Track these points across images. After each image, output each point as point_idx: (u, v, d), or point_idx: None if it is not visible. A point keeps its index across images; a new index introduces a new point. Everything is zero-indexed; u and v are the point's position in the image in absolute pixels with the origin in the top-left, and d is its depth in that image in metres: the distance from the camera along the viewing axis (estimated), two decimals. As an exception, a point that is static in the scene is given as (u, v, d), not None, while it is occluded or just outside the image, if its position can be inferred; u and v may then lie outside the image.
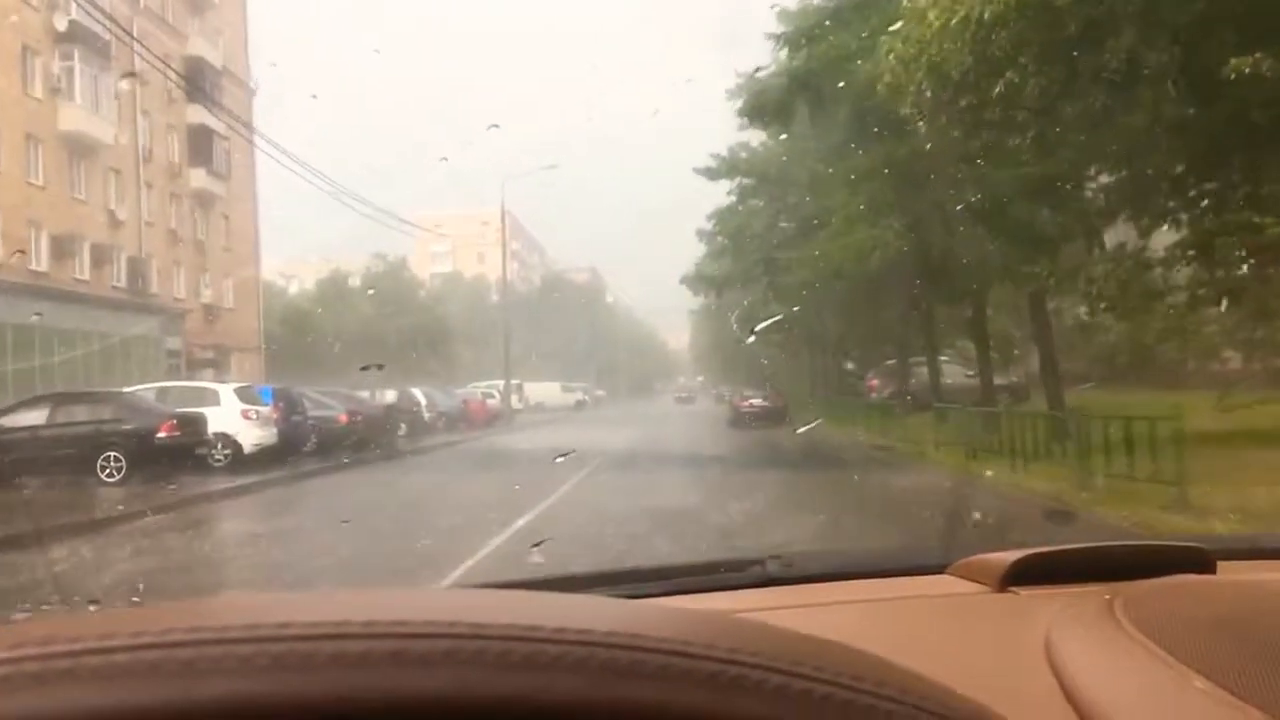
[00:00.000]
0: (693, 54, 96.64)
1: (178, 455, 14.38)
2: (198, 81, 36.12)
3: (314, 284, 52.17)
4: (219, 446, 16.76)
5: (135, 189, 34.39)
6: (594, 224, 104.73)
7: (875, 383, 27.08)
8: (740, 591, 1.66)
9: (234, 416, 17.21)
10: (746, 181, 29.59)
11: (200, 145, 38.24)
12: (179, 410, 16.09)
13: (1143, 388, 20.91)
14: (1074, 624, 1.14)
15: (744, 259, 31.20)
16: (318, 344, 39.06)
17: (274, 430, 17.73)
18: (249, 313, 41.60)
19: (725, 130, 30.78)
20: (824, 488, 13.25)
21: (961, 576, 1.61)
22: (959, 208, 15.70)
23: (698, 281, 36.13)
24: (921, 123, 13.49)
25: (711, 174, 29.45)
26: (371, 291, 46.13)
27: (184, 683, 0.40)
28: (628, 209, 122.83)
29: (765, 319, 31.95)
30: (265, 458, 17.01)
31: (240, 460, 16.73)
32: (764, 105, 18.07)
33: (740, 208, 32.16)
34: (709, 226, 34.40)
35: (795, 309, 24.22)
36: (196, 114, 37.81)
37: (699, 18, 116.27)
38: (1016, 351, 27.30)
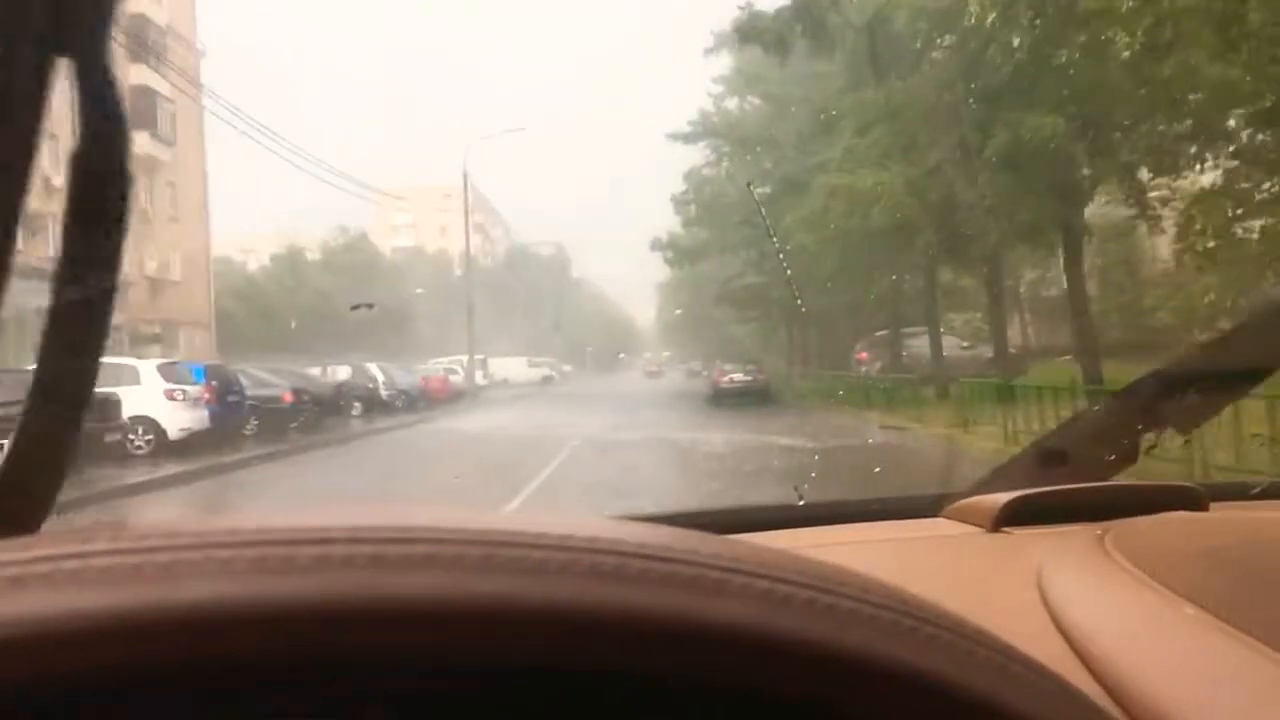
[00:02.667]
0: (666, 16, 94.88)
1: (82, 443, 12.46)
2: (140, 40, 33.97)
3: (270, 258, 50.43)
4: (139, 432, 14.90)
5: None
6: (558, 196, 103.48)
7: (865, 355, 25.45)
8: (736, 535, 1.29)
9: (156, 397, 15.25)
10: (724, 147, 27.89)
11: (143, 108, 36.01)
12: (86, 391, 14.08)
13: (1132, 361, 19.51)
14: (1065, 559, 1.15)
15: (719, 226, 29.70)
16: (273, 320, 37.55)
17: (205, 413, 15.84)
18: (198, 286, 39.60)
19: (698, 97, 28.98)
20: (870, 485, 9.95)
21: (955, 519, 1.61)
22: (985, 152, 13.65)
23: (670, 250, 34.62)
24: (992, 19, 11.67)
25: (687, 138, 27.84)
26: (324, 262, 44.36)
27: (162, 585, 0.40)
28: (593, 181, 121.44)
29: (742, 288, 30.55)
30: (195, 444, 15.16)
31: (164, 447, 14.86)
32: (761, 31, 16.15)
33: (717, 172, 30.70)
34: (682, 193, 32.88)
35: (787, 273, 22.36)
36: (139, 74, 35.60)
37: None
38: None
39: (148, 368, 16.29)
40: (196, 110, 36.82)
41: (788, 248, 17.52)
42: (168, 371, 16.44)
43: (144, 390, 14.92)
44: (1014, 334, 29.37)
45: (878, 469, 10.71)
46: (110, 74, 0.65)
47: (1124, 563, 1.08)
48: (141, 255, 36.13)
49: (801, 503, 1.91)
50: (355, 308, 21.90)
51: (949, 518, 1.64)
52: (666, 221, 35.90)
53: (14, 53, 0.63)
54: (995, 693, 0.46)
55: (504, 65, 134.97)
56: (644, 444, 15.61)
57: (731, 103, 28.50)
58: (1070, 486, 1.59)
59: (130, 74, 35.39)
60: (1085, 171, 13.66)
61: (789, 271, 24.81)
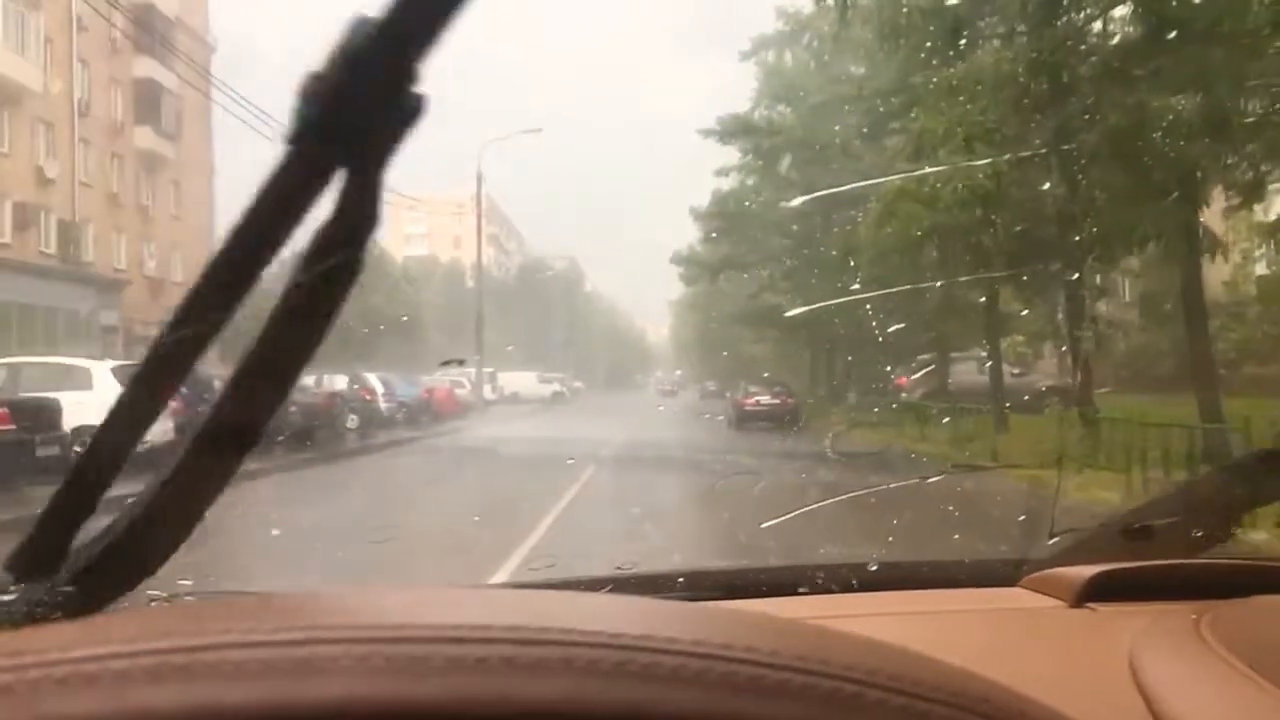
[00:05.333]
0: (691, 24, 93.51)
1: (10, 456, 10.52)
2: (147, 31, 32.72)
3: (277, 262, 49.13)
4: (87, 444, 13.12)
5: (69, 145, 30.95)
6: (573, 209, 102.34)
7: (904, 380, 23.83)
8: (809, 598, 1.60)
9: (110, 404, 13.41)
10: (763, 145, 26.08)
11: (148, 102, 34.82)
12: (20, 396, 12.42)
13: (1166, 393, 17.55)
14: (1159, 641, 1.13)
15: (745, 239, 28.12)
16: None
17: (170, 424, 13.79)
18: (201, 288, 38.26)
19: (724, 105, 27.36)
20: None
21: (1034, 590, 1.56)
22: (1089, 141, 11.59)
23: (691, 264, 33.07)
24: None
25: (721, 136, 26.11)
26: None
27: (297, 682, 0.40)
28: (608, 194, 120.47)
29: (767, 307, 28.90)
30: (155, 460, 13.23)
31: None
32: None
33: (742, 184, 29.14)
34: (705, 206, 31.34)
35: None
36: (145, 67, 34.43)
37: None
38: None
39: (101, 370, 14.50)
40: (204, 106, 35.51)
41: (822, 260, 15.82)
42: (125, 375, 14.20)
43: (96, 395, 12.96)
44: (1049, 364, 27.66)
45: (956, 536, 8.07)
46: (380, 181, 0.64)
47: (1221, 650, 1.03)
48: (142, 253, 34.88)
49: (874, 568, 1.74)
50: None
51: (1028, 588, 1.58)
52: (683, 237, 34.73)
53: (302, 158, 0.63)
54: None
55: (522, 69, 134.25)
56: (670, 474, 13.76)
57: (765, 112, 26.88)
58: (1160, 563, 1.50)
59: (134, 66, 34.24)
60: (1207, 167, 11.73)
61: (821, 288, 23.18)
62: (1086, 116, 12.25)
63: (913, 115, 14.17)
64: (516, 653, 0.41)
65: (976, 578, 1.72)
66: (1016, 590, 1.59)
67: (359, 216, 0.65)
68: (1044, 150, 12.32)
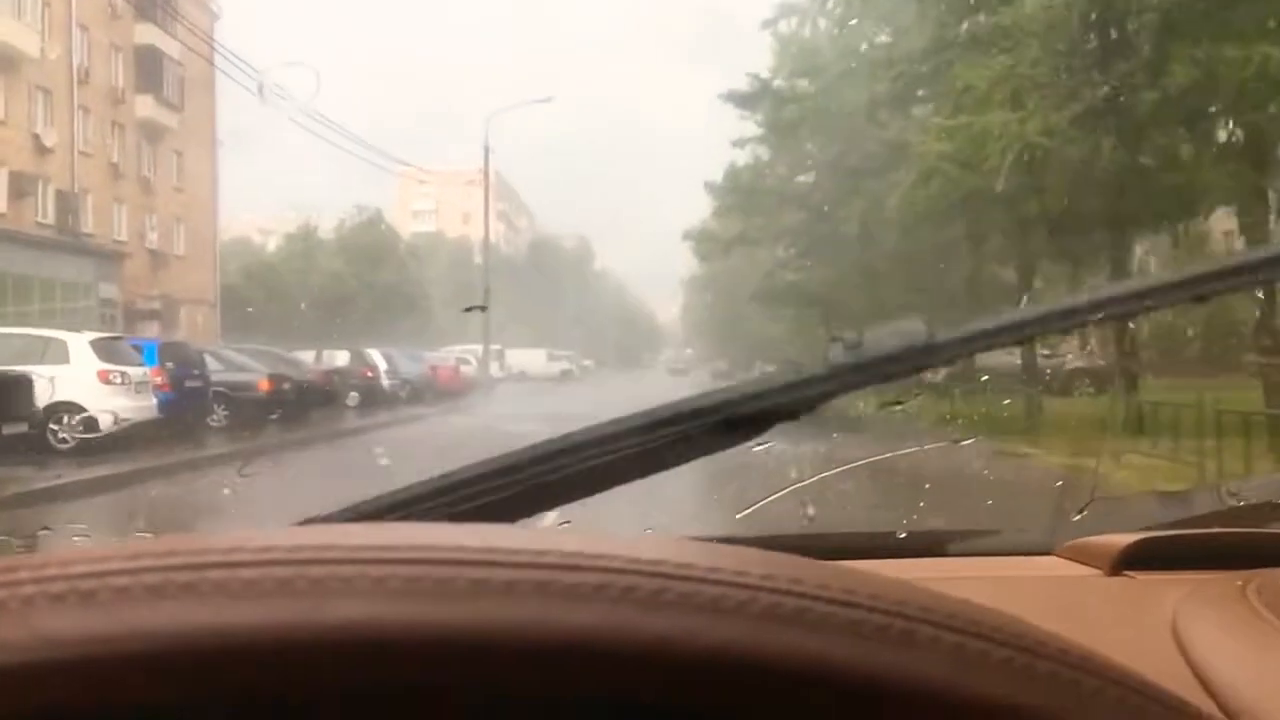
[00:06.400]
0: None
1: None
2: (149, -3, 31.97)
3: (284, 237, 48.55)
4: (65, 421, 12.27)
5: (68, 113, 30.17)
6: (582, 186, 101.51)
7: None
8: (843, 563, 1.25)
9: (88, 380, 12.54)
10: (788, 112, 24.99)
11: (149, 69, 33.99)
12: (-12, 370, 11.93)
13: (1194, 376, 16.68)
14: (1203, 607, 1.08)
15: (762, 213, 27.26)
16: (284, 300, 35.68)
17: (153, 400, 13.24)
18: (204, 262, 37.64)
19: (738, 78, 26.30)
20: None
21: (1069, 559, 1.50)
22: (1152, 96, 10.32)
23: (704, 240, 32.24)
24: None
25: (743, 100, 25.02)
26: (338, 243, 42.49)
27: (313, 602, 0.38)
28: (618, 172, 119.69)
29: (785, 285, 28.14)
30: (136, 439, 12.48)
31: (96, 442, 12.05)
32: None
33: (758, 158, 28.27)
34: (719, 180, 30.49)
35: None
36: (146, 34, 33.60)
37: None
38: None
39: (79, 343, 13.54)
40: (208, 74, 34.76)
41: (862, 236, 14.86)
42: (105, 348, 13.64)
43: (74, 370, 12.29)
44: (1069, 345, 26.85)
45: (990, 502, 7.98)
46: None
47: (1270, 616, 1.01)
48: (143, 225, 34.19)
49: (903, 535, 1.69)
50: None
51: (1063, 556, 1.51)
52: (695, 215, 33.96)
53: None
54: None
55: (529, 41, 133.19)
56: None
57: (783, 83, 25.87)
58: (1201, 531, 1.51)
59: (136, 33, 33.44)
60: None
61: (840, 264, 22.40)
62: (1147, 71, 11.12)
63: (953, 71, 13.12)
64: (547, 577, 0.39)
65: (1009, 546, 1.69)
66: (1051, 559, 1.54)
67: None
68: (1100, 109, 11.25)
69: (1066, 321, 1.02)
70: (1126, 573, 1.35)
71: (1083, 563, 1.45)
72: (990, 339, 1.19)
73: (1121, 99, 10.98)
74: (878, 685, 0.40)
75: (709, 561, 0.42)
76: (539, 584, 0.39)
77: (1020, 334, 1.43)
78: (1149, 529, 1.47)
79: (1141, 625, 1.07)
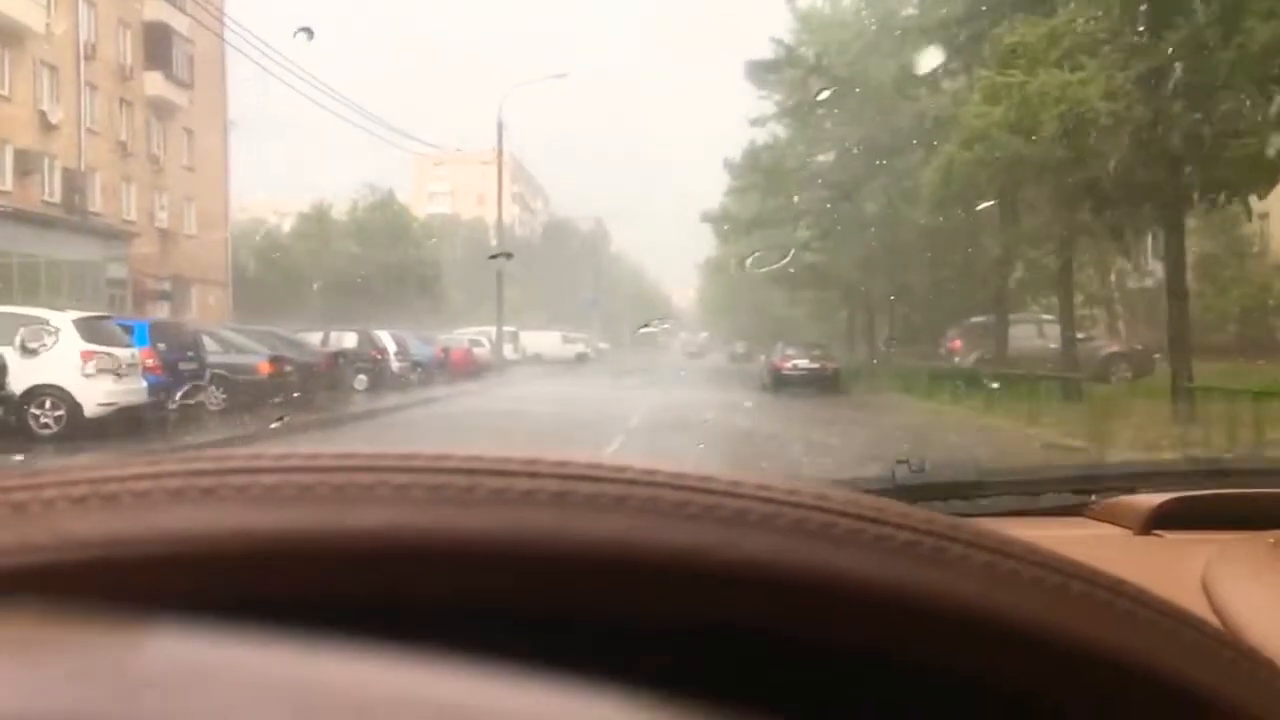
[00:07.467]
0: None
1: None
2: (157, -28, 31.41)
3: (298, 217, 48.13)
4: (46, 406, 11.74)
5: (75, 90, 29.62)
6: (601, 170, 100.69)
7: (959, 344, 22.09)
8: None
9: (70, 361, 11.85)
10: (812, 84, 24.15)
11: (158, 46, 33.42)
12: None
13: (1226, 360, 15.90)
14: (1234, 565, 1.10)
15: (783, 192, 26.53)
16: (297, 281, 35.26)
17: (142, 384, 12.55)
18: (214, 242, 37.12)
19: (757, 50, 25.51)
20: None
21: (1100, 519, 1.54)
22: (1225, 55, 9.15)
23: (723, 221, 31.53)
24: None
25: (767, 68, 24.10)
26: (352, 222, 42.05)
27: (335, 508, 0.38)
28: (638, 155, 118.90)
29: (806, 267, 27.42)
30: (123, 423, 11.97)
31: (80, 427, 11.59)
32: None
33: (783, 134, 27.54)
34: (738, 158, 29.75)
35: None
36: (155, 9, 33.03)
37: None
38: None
39: (62, 321, 12.80)
40: (219, 51, 34.21)
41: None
42: (90, 328, 12.94)
43: (56, 351, 11.76)
44: (1100, 330, 26.02)
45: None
46: None
47: None
48: (152, 204, 33.69)
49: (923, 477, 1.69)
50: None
51: (1094, 517, 1.56)
52: (713, 198, 33.28)
53: None
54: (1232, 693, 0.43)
55: (548, 19, 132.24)
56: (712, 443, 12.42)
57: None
58: (1232, 491, 1.51)
59: (145, 8, 32.86)
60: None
61: (865, 243, 21.61)
62: (1221, 25, 10.02)
63: (995, 33, 12.19)
64: (566, 487, 0.39)
65: (1040, 509, 1.68)
66: (1082, 519, 1.56)
67: None
68: (1169, 70, 10.29)
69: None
70: (1157, 532, 1.38)
71: (1114, 523, 1.48)
72: (1039, 484, 1.67)
73: (1191, 58, 10.04)
74: (907, 602, 0.39)
75: (733, 476, 0.41)
76: (558, 494, 0.39)
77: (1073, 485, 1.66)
78: (1180, 490, 1.46)
79: (1172, 582, 1.01)
